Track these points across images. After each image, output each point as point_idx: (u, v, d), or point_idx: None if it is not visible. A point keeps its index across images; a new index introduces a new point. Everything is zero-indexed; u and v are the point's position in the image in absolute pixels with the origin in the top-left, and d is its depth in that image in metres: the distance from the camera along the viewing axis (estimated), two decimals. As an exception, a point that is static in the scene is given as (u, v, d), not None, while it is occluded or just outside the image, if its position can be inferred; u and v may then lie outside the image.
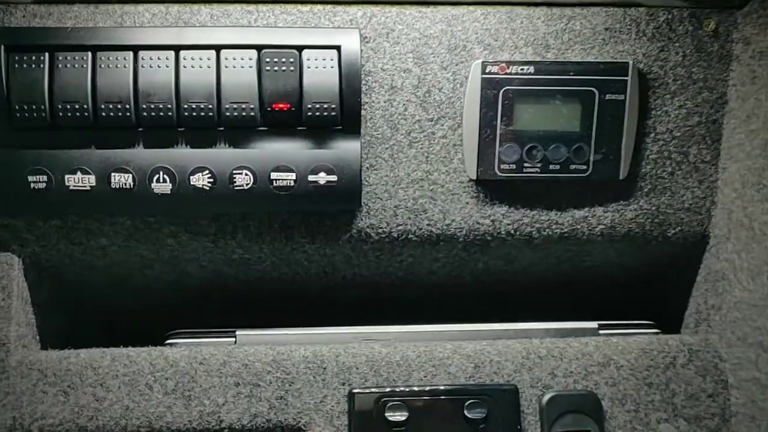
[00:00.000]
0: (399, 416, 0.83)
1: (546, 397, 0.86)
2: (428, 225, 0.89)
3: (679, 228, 0.92)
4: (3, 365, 0.83)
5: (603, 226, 0.91)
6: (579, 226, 0.91)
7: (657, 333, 0.95)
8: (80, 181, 0.83)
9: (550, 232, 0.91)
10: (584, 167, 0.89)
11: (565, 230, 0.91)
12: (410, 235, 0.90)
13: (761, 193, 0.83)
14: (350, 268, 0.95)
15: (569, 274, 0.99)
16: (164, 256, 0.90)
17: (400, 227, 0.89)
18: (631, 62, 0.87)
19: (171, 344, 0.90)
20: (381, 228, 0.89)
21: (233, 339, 0.90)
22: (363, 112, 0.86)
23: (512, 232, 0.90)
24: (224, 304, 1.01)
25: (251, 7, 0.84)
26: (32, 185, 0.82)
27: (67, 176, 0.82)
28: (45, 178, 0.82)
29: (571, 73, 0.87)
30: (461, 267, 0.96)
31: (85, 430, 0.82)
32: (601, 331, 0.95)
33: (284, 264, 0.93)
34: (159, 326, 0.93)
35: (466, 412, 0.84)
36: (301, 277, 0.96)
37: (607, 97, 0.87)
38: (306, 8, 0.85)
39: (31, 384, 0.83)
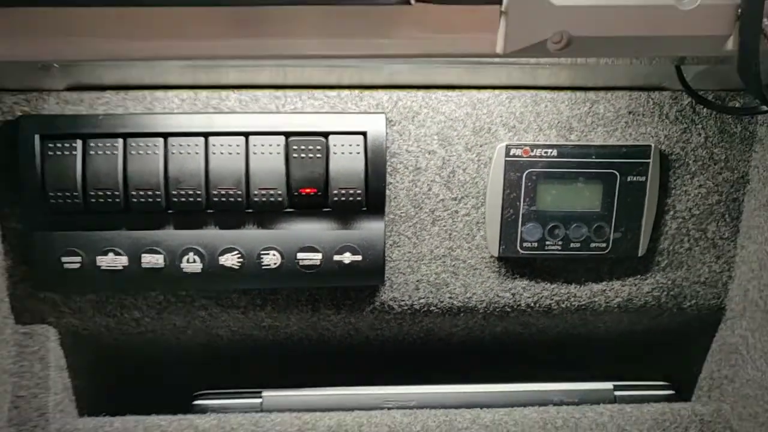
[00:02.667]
0: (419, 488, 0.87)
1: (561, 468, 0.89)
2: (450, 298, 0.92)
3: (695, 301, 0.94)
4: (41, 435, 0.87)
5: (620, 299, 0.93)
6: (596, 299, 0.93)
7: (671, 394, 0.98)
8: (112, 261, 0.85)
9: (568, 305, 0.93)
10: (604, 245, 0.90)
11: (583, 303, 0.93)
12: (432, 307, 0.92)
13: (776, 281, 0.84)
14: (373, 331, 0.98)
15: (585, 337, 1.02)
16: (196, 324, 0.93)
17: (421, 300, 0.92)
18: (653, 144, 0.88)
19: (199, 406, 0.93)
20: (403, 301, 0.92)
21: (260, 400, 0.94)
22: (387, 192, 0.88)
23: (531, 304, 0.93)
24: (252, 361, 1.04)
25: (279, 93, 0.85)
26: (65, 265, 0.84)
27: (99, 257, 0.85)
28: (78, 259, 0.85)
29: (594, 156, 0.88)
30: (479, 331, 0.99)
31: (120, 498, 0.86)
32: (616, 393, 0.98)
33: (310, 329, 0.96)
34: (190, 381, 0.97)
35: (483, 484, 0.87)
36: (327, 338, 0.99)
37: (629, 178, 0.89)
38: (333, 93, 0.86)
39: (69, 452, 0.87)
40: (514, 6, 0.60)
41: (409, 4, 0.60)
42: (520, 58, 0.60)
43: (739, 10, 0.59)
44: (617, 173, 0.88)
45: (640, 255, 0.91)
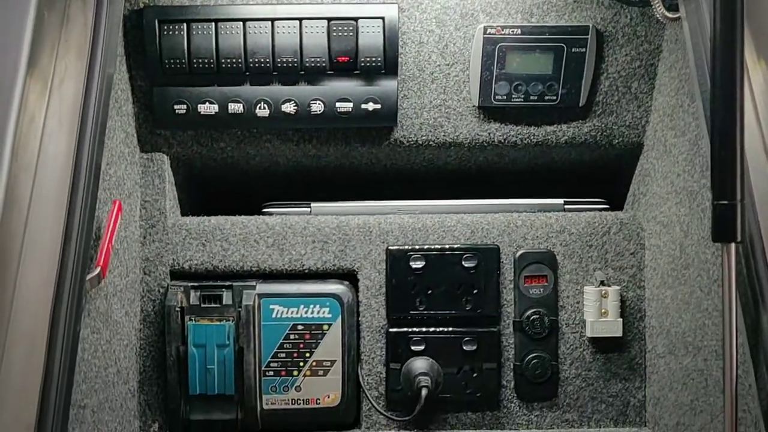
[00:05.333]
0: (419, 264, 1.28)
1: (518, 253, 1.29)
2: (443, 136, 1.29)
3: (621, 139, 1.30)
4: (163, 226, 1.28)
5: (566, 137, 1.30)
6: (549, 137, 1.30)
7: (606, 208, 1.35)
8: (207, 108, 1.23)
9: (528, 141, 1.30)
10: (554, 98, 1.26)
11: (540, 139, 1.30)
12: (431, 143, 1.30)
13: (672, 122, 1.20)
14: (389, 160, 1.36)
15: (544, 166, 1.39)
16: (263, 153, 1.31)
17: (424, 137, 1.29)
18: (591, 25, 1.22)
19: (266, 212, 1.33)
20: (410, 138, 1.29)
21: (309, 209, 1.33)
22: (399, 60, 1.23)
23: (502, 140, 1.30)
24: (302, 182, 1.43)
25: None
26: (176, 111, 1.23)
27: (199, 105, 1.23)
28: (184, 106, 1.23)
29: (548, 34, 1.22)
30: (466, 160, 1.36)
31: (217, 269, 1.28)
32: (566, 206, 1.35)
33: (344, 158, 1.34)
34: (257, 197, 1.36)
35: (463, 262, 1.28)
36: (355, 166, 1.37)
37: (573, 50, 1.23)
38: (361, -11, 1.20)
39: (182, 238, 1.28)
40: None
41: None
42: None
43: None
44: (564, 46, 1.23)
45: (581, 105, 1.27)
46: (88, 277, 0.96)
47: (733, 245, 0.76)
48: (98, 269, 0.99)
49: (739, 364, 0.93)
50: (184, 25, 1.18)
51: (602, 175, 1.44)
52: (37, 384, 0.74)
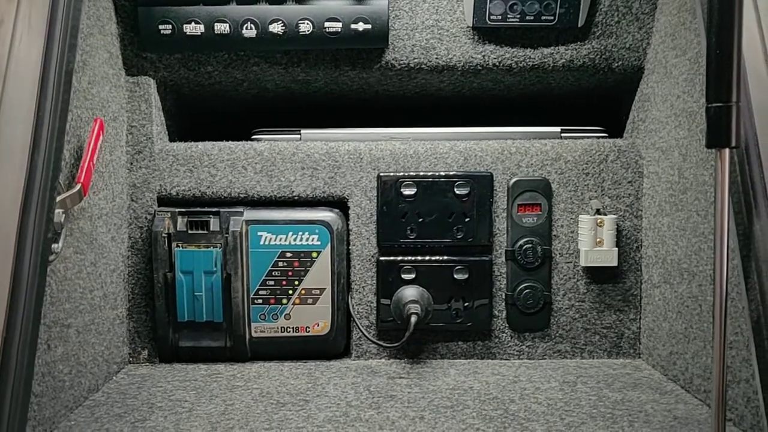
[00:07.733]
0: (410, 191, 1.25)
1: (512, 181, 1.26)
2: (436, 58, 1.25)
3: (621, 62, 1.26)
4: (150, 152, 1.25)
5: (564, 60, 1.26)
6: (546, 60, 1.26)
7: (604, 136, 1.32)
8: (193, 28, 1.19)
9: (524, 64, 1.26)
10: (552, 18, 1.22)
11: (536, 63, 1.26)
12: (423, 66, 1.26)
13: (674, 42, 1.16)
14: (380, 86, 1.32)
15: (541, 93, 1.35)
16: (251, 77, 1.28)
17: (415, 60, 1.25)
18: (590, -60, 1.17)
19: (255, 139, 1.30)
20: (402, 60, 1.25)
21: (298, 136, 1.30)
22: (390, -22, 1.19)
23: (497, 63, 1.26)
24: (292, 110, 1.40)
25: None
26: (162, 31, 1.19)
27: (184, 25, 1.19)
28: (170, 27, 1.19)
29: (544, -51, 1.17)
30: (460, 86, 1.32)
31: (204, 195, 1.25)
32: (562, 135, 1.32)
33: (334, 83, 1.31)
34: (246, 125, 1.33)
35: (456, 190, 1.25)
36: (346, 91, 1.34)
37: (571, -34, 1.18)
38: None
39: (168, 164, 1.25)
40: None
41: None
42: None
43: None
44: (562, -38, 1.18)
45: (579, 26, 1.23)
46: (69, 193, 0.94)
47: (727, 151, 0.72)
48: (79, 186, 0.97)
49: (732, 287, 0.91)
50: (167, -60, 1.14)
51: (601, 103, 1.40)
52: (6, 288, 0.73)
